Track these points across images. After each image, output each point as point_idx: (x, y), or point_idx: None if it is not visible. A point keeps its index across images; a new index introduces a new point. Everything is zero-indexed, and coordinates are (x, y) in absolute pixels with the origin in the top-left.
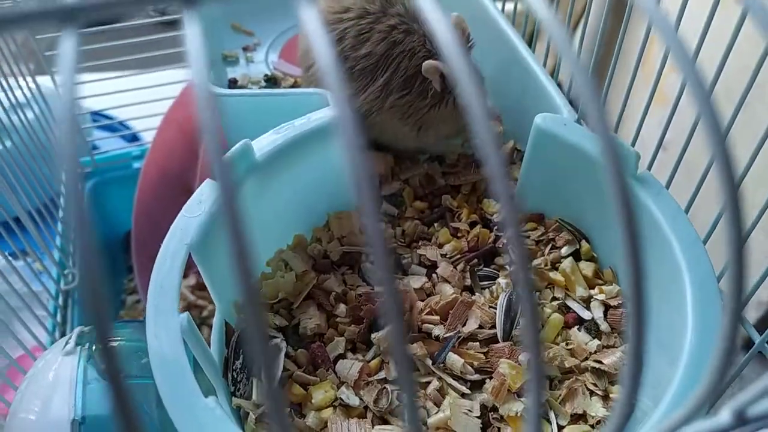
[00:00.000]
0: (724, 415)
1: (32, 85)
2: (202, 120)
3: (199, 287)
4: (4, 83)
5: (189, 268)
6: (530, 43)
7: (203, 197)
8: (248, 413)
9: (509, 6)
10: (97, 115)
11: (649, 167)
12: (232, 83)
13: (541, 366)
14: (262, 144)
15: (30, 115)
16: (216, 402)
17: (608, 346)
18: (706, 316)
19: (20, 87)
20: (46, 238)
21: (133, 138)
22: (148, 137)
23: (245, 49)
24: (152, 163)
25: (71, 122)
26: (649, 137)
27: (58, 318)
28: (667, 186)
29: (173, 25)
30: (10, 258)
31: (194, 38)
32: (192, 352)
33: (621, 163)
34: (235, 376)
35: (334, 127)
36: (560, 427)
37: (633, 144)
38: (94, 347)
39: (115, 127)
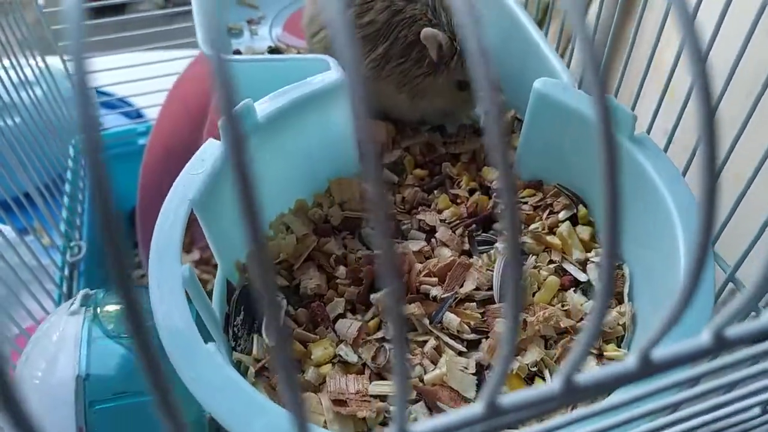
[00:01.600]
0: (704, 335)
1: (41, 64)
2: (214, 73)
3: (204, 261)
4: (13, 61)
5: (192, 243)
6: (541, 24)
7: (206, 155)
8: (248, 368)
9: None
10: (98, 92)
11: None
12: (236, 54)
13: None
14: (264, 106)
15: (38, 92)
16: (216, 348)
17: None
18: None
19: (29, 65)
20: (54, 212)
21: (137, 115)
22: (152, 114)
23: (249, 22)
24: (157, 140)
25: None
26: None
27: (64, 289)
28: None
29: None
30: (18, 232)
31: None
32: (194, 305)
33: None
34: (236, 331)
35: (342, 89)
36: None
37: (648, 131)
38: (99, 309)
39: (114, 104)
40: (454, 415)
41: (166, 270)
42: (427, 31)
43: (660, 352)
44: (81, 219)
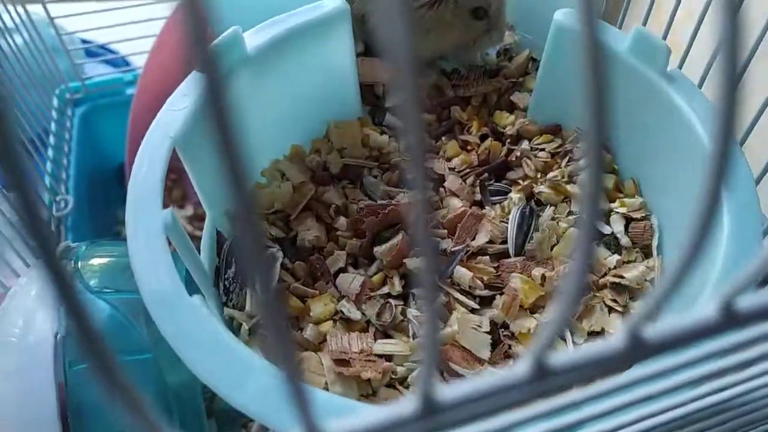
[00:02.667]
0: (709, 307)
1: (21, 11)
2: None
3: (198, 218)
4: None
5: (185, 198)
6: None
7: (189, 89)
8: (241, 324)
9: None
10: (83, 40)
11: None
12: None
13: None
14: (254, 37)
15: (18, 40)
16: (202, 300)
17: (629, 261)
18: (743, 223)
19: (8, 12)
20: (38, 166)
21: (124, 63)
22: (139, 62)
23: None
24: (146, 89)
25: None
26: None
27: None
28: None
29: None
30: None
31: None
32: (179, 257)
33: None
34: (227, 285)
35: (342, 19)
36: (576, 345)
37: None
38: (80, 263)
39: (95, 51)
40: (495, 377)
41: (144, 215)
42: None
43: (744, 302)
44: (67, 172)
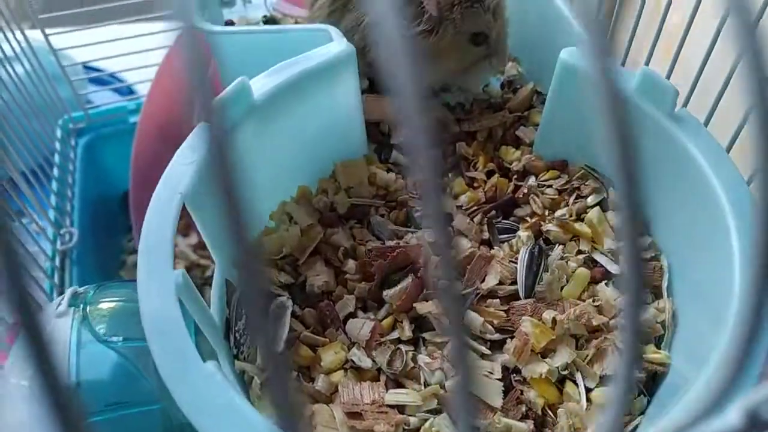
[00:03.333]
0: (733, 414)
1: (20, 37)
2: (185, 53)
3: (202, 246)
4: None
5: (190, 227)
6: None
7: (197, 142)
8: (252, 378)
9: None
10: (88, 68)
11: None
12: (229, 25)
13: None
14: (261, 83)
15: (19, 69)
16: (216, 367)
17: None
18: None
19: (8, 40)
20: (41, 198)
21: (129, 91)
22: (143, 90)
23: None
24: (149, 117)
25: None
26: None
27: (56, 279)
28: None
29: None
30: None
31: None
32: (190, 313)
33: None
34: (238, 337)
35: (347, 63)
36: (588, 390)
37: None
38: (89, 308)
39: (105, 79)
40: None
41: (156, 277)
42: None
43: None
44: (71, 204)
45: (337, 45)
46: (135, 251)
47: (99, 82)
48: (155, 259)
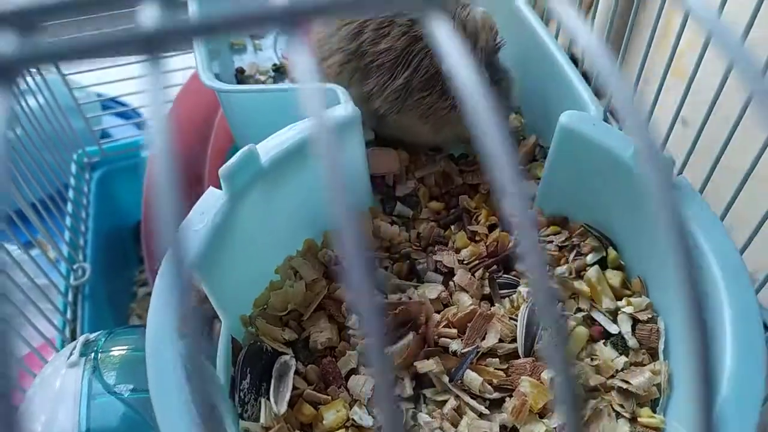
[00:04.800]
0: None
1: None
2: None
3: None
4: None
5: None
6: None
7: (206, 207)
8: None
9: None
10: (111, 101)
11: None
12: (240, 73)
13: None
14: (269, 147)
15: (32, 103)
16: None
17: (636, 363)
18: (746, 342)
19: (23, 75)
20: (53, 232)
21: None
22: None
23: (253, 36)
24: None
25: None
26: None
27: (68, 315)
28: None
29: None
30: (16, 252)
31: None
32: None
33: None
34: (243, 396)
35: (352, 125)
36: None
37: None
38: (100, 357)
39: (128, 114)
40: None
41: (163, 348)
42: None
43: None
44: (84, 238)
45: (343, 108)
46: (146, 283)
47: (119, 115)
48: (163, 329)
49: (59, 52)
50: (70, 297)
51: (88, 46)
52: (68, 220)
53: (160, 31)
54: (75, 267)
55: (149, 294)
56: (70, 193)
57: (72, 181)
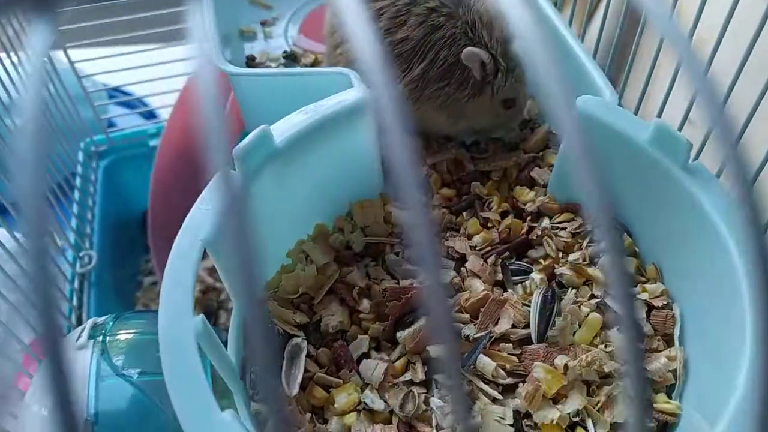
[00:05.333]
0: None
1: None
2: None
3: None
4: (12, 57)
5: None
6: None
7: (213, 193)
8: (267, 419)
9: None
10: (115, 91)
11: None
12: (250, 60)
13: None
14: (282, 129)
15: (43, 91)
16: (233, 416)
17: (651, 350)
18: None
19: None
20: (61, 220)
21: (150, 115)
22: (164, 114)
23: (263, 23)
24: (169, 142)
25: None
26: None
27: (74, 302)
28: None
29: None
30: (23, 239)
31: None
32: (207, 357)
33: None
34: (254, 378)
35: (365, 108)
36: None
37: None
38: (108, 340)
39: (133, 103)
40: None
41: (176, 325)
42: (468, 50)
43: None
44: (91, 226)
45: (356, 91)
46: (152, 272)
47: (125, 105)
48: (176, 307)
49: None
50: (76, 284)
51: None
52: (75, 208)
53: None
54: (81, 254)
55: (155, 283)
56: (77, 181)
57: (79, 169)
